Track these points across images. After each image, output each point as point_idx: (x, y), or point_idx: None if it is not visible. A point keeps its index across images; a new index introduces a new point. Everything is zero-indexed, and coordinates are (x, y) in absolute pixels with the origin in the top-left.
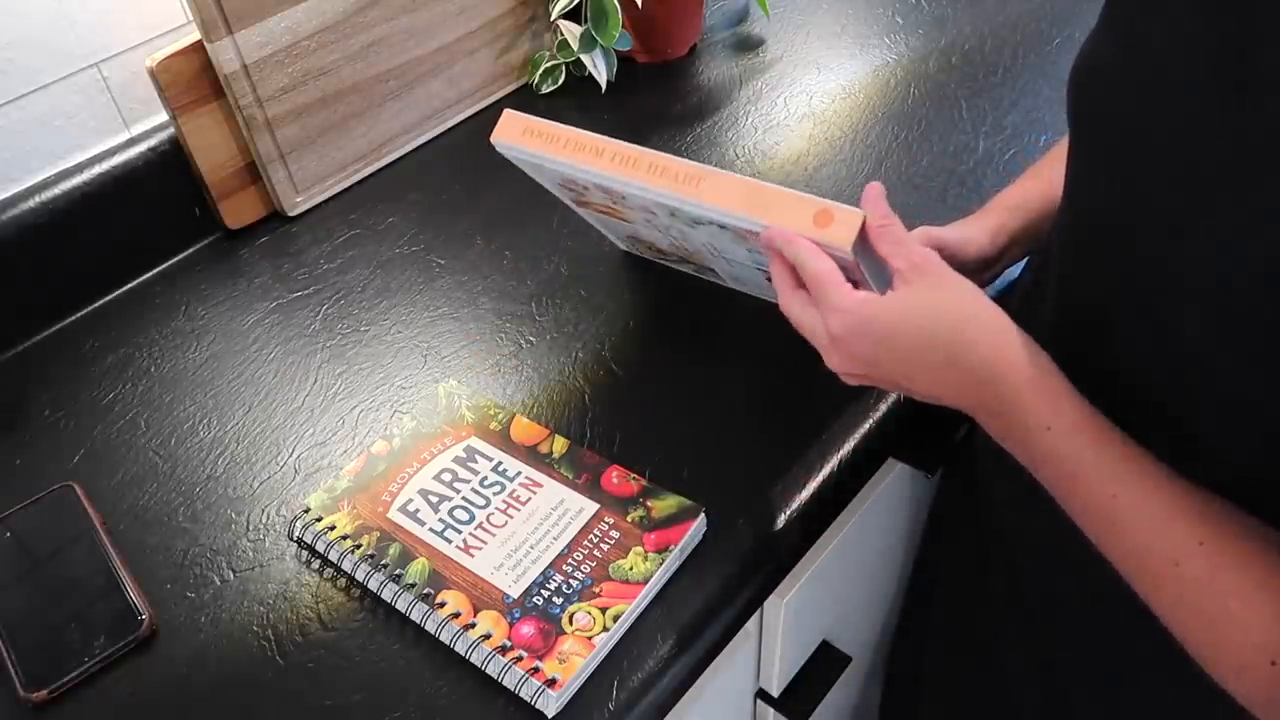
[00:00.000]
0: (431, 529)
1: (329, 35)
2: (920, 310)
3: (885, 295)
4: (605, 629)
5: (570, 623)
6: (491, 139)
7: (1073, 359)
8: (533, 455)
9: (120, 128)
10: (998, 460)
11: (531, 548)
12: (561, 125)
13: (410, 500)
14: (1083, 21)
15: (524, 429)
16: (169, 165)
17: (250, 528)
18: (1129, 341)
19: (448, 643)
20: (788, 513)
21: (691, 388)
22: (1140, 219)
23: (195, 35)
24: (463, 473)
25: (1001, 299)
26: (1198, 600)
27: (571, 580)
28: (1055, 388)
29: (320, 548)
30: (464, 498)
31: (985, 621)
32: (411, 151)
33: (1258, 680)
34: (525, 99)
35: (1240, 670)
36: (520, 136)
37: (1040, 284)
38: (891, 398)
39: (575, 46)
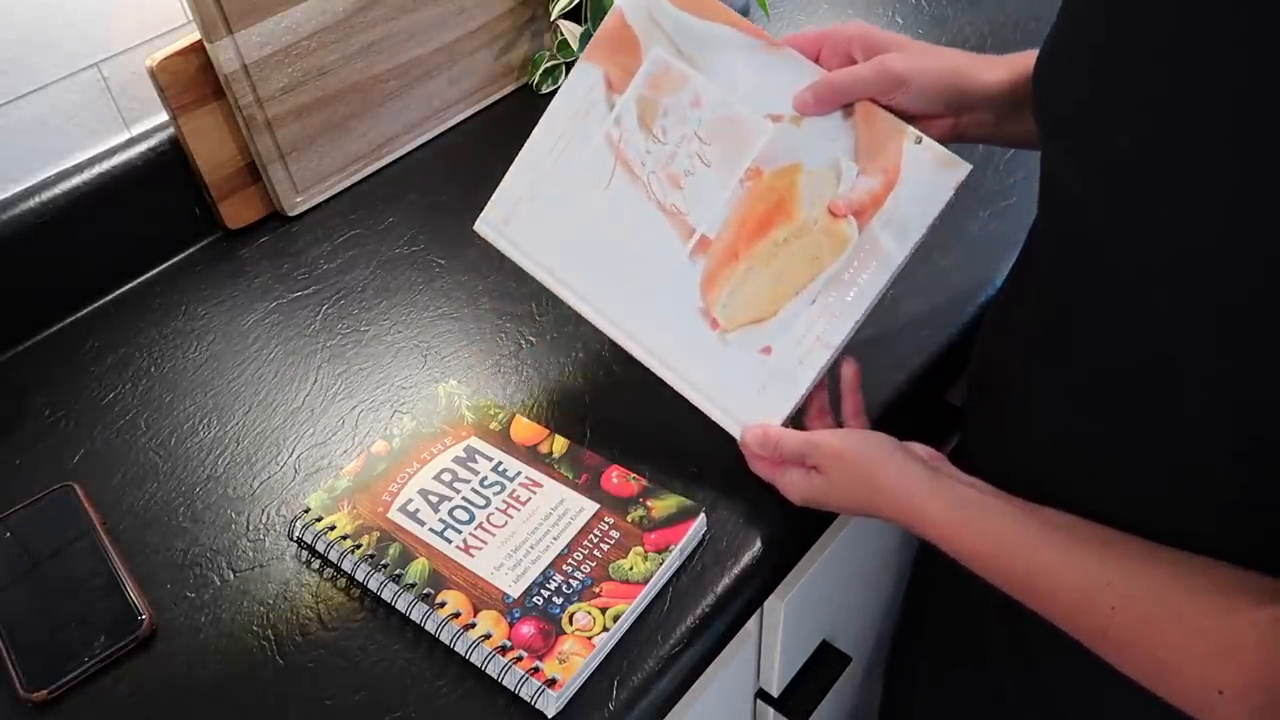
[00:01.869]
0: (431, 529)
1: (329, 35)
2: (842, 494)
3: (816, 478)
4: (605, 629)
5: (570, 623)
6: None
7: (1057, 356)
8: (533, 455)
9: (120, 128)
10: (993, 463)
11: (531, 548)
12: (533, 268)
13: (410, 500)
14: None
15: (524, 429)
16: (169, 165)
17: (250, 528)
18: (1106, 334)
19: (448, 643)
20: (788, 513)
21: None
22: (1105, 209)
23: (195, 35)
24: (463, 473)
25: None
26: (1135, 658)
27: (571, 580)
28: (954, 513)
29: (320, 548)
30: (464, 498)
31: (974, 621)
32: (411, 151)
33: (1222, 712)
34: (525, 99)
35: (1200, 708)
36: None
37: (1023, 282)
38: (889, 398)
39: (575, 46)
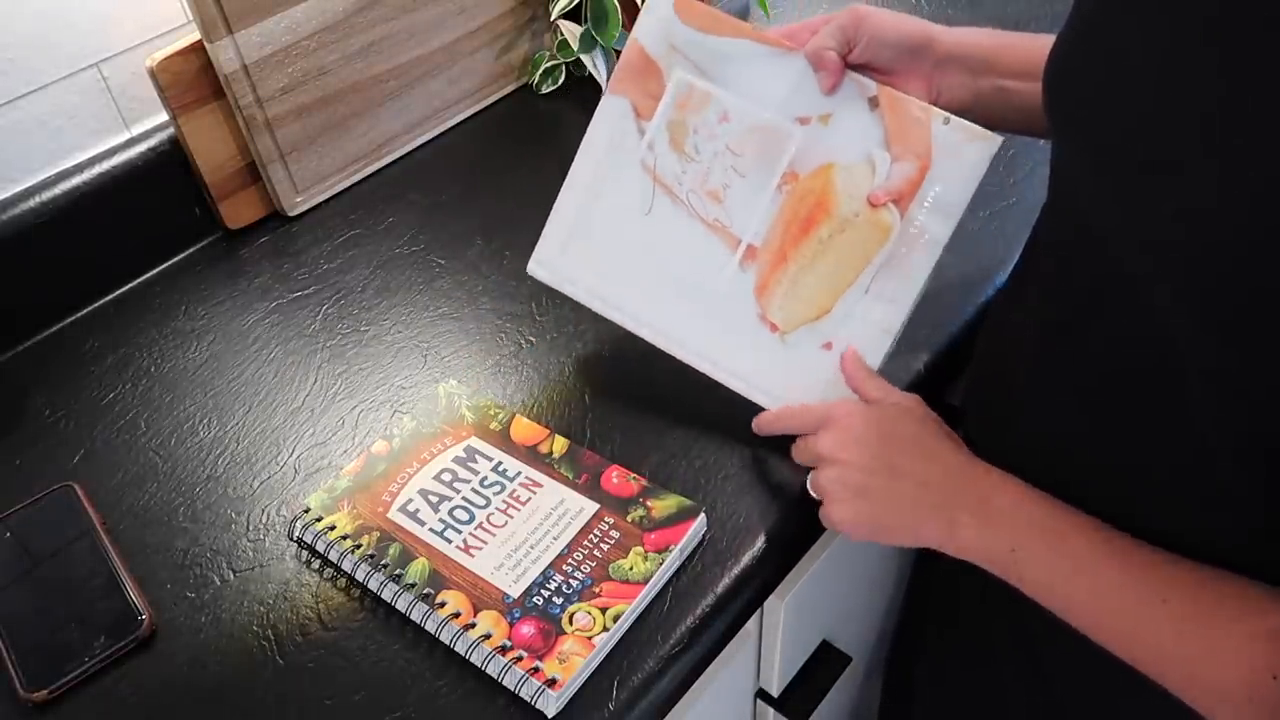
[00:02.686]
0: (431, 529)
1: (329, 35)
2: (889, 431)
3: (870, 410)
4: (605, 629)
5: (570, 623)
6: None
7: (1060, 351)
8: (533, 455)
9: (120, 128)
10: (993, 463)
11: (531, 548)
12: (593, 302)
13: (410, 500)
14: None
15: (524, 429)
16: (169, 165)
17: (250, 528)
18: (1112, 332)
19: (448, 643)
20: (788, 513)
21: (692, 388)
22: (1113, 206)
23: (195, 35)
24: (463, 473)
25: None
26: (1195, 634)
27: (571, 580)
28: (1013, 483)
29: (320, 548)
30: (464, 498)
31: (976, 620)
32: (411, 151)
33: (1274, 699)
34: (525, 99)
35: (1249, 697)
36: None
37: (1025, 281)
38: None
39: (575, 46)
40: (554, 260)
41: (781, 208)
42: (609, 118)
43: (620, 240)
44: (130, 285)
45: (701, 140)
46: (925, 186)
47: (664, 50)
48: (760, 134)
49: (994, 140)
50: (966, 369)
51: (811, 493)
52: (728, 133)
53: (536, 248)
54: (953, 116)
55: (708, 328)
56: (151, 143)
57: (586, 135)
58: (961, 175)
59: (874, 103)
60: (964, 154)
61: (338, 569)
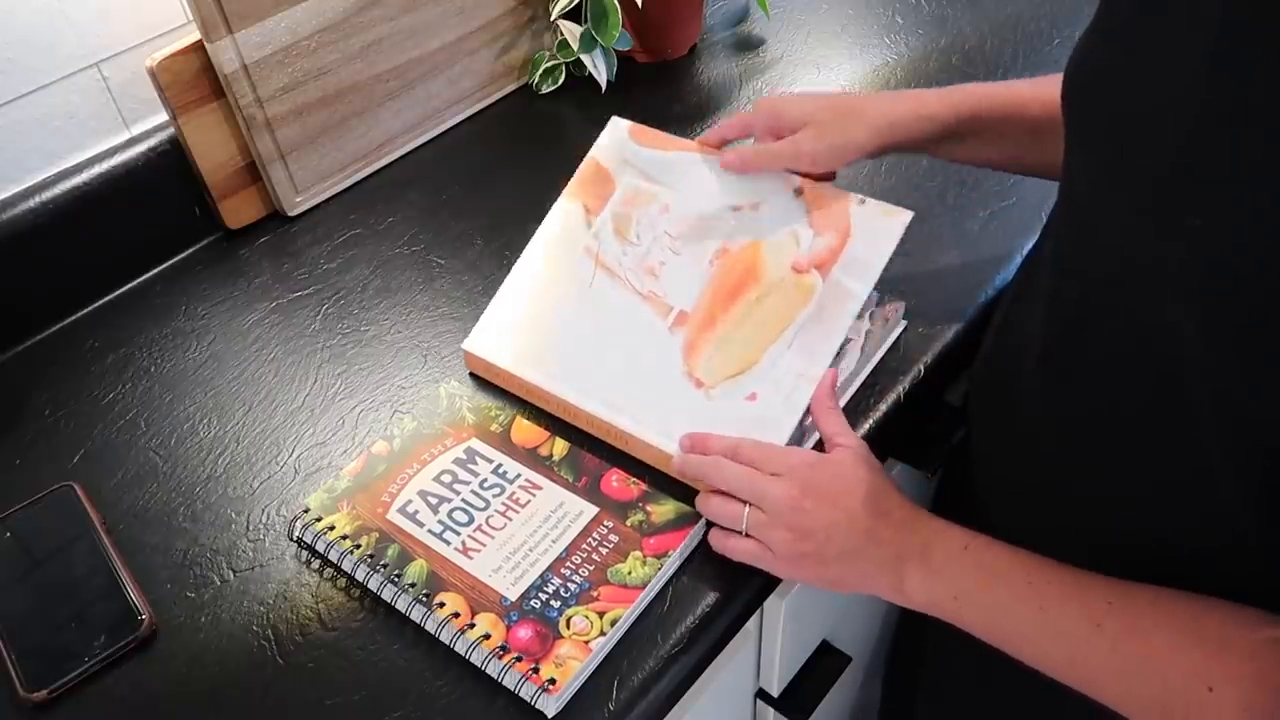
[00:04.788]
0: (430, 530)
1: (329, 35)
2: (859, 469)
3: (825, 459)
4: (602, 633)
5: (567, 626)
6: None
7: (1065, 357)
8: (533, 458)
9: (120, 128)
10: (995, 462)
11: (530, 550)
12: (519, 368)
13: (410, 501)
14: (1083, 21)
15: (525, 431)
16: (169, 165)
17: (250, 528)
18: (1119, 340)
19: (447, 643)
20: None
21: None
22: (1130, 217)
23: (195, 35)
24: (463, 474)
25: (996, 296)
26: (1130, 651)
27: (570, 583)
28: (958, 529)
29: (320, 548)
30: (463, 499)
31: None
32: (411, 151)
33: (1211, 710)
34: (525, 99)
35: (1187, 711)
36: (484, 371)
37: (1032, 284)
38: (891, 398)
39: (575, 46)
40: (493, 338)
41: (712, 278)
42: (560, 217)
43: (559, 311)
44: (130, 285)
45: (643, 229)
46: (845, 254)
47: (617, 164)
48: (696, 220)
49: (906, 215)
50: (968, 369)
51: (744, 530)
52: (668, 221)
53: (476, 327)
54: (868, 199)
55: (637, 390)
56: (151, 143)
57: (538, 231)
58: (878, 242)
59: (798, 191)
60: (880, 226)
61: (338, 569)
